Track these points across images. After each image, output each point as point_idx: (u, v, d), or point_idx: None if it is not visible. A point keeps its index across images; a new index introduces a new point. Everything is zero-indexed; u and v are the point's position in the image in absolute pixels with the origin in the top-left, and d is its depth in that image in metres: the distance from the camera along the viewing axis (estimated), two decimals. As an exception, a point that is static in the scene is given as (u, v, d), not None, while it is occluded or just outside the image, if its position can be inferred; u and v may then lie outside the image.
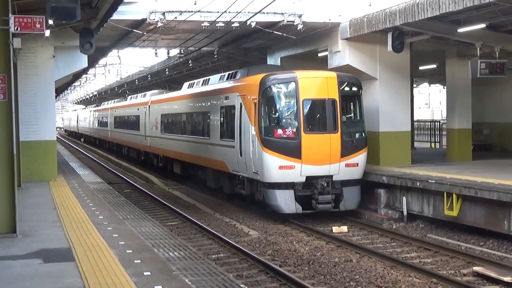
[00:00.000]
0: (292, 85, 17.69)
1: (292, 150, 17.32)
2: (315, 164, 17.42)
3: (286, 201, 17.33)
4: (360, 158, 18.03)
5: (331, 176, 17.59)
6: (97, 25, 19.27)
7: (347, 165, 17.71)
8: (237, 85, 20.11)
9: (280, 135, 17.46)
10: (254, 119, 17.84)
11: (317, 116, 18.07)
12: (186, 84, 28.09)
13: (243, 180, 19.27)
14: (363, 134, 18.46)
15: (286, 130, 17.50)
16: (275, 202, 17.42)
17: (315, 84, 17.93)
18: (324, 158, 17.50)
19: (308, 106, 17.77)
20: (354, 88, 18.58)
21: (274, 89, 17.81)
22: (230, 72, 22.47)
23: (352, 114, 18.90)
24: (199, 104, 24.17)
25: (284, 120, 17.78)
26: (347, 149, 17.73)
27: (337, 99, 17.71)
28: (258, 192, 18.28)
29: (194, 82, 26.69)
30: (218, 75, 23.66)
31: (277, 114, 17.96)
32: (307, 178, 17.44)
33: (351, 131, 18.09)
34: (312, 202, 17.47)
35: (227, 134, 20.23)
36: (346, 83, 18.28)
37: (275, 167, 17.27)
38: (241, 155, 18.73)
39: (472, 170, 18.47)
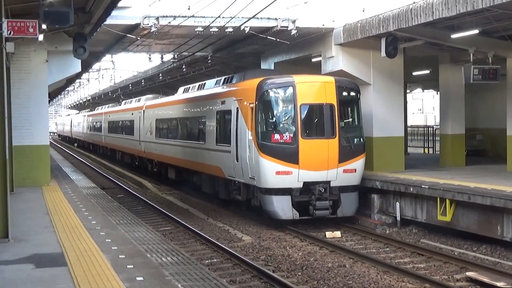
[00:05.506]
0: (289, 90, 17.55)
1: (289, 155, 17.17)
2: (313, 170, 17.27)
3: (283, 207, 17.15)
4: (358, 163, 17.90)
5: (329, 182, 17.43)
6: (90, 29, 19.24)
7: (345, 171, 17.56)
8: (233, 90, 20.03)
9: (277, 140, 17.29)
10: (251, 124, 17.71)
11: (315, 121, 17.90)
12: (181, 89, 28.05)
13: (239, 186, 19.12)
14: (361, 139, 18.35)
15: (283, 135, 17.35)
16: (272, 208, 17.26)
17: (313, 89, 17.79)
18: (322, 164, 17.35)
19: (306, 111, 17.61)
20: (352, 93, 18.46)
21: (272, 94, 17.67)
22: (226, 76, 22.42)
23: (350, 119, 18.76)
24: (195, 109, 24.08)
25: (281, 125, 17.63)
26: (345, 155, 17.57)
27: (335, 104, 17.57)
28: (255, 198, 18.12)
29: (189, 87, 26.62)
30: (214, 80, 23.56)
31: (274, 119, 17.79)
32: (305, 183, 17.28)
33: (349, 136, 17.95)
34: (309, 208, 17.30)
35: (223, 139, 20.05)
36: (344, 87, 18.16)
37: (272, 172, 17.11)
38: (237, 160, 18.62)
39: (465, 175, 18.50)
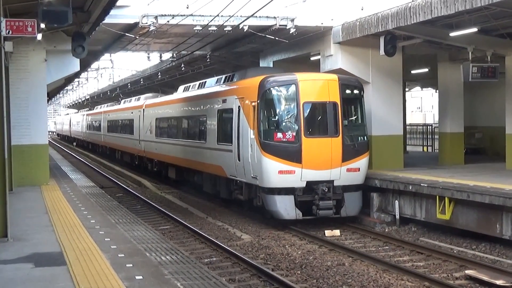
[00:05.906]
0: (292, 88, 17.33)
1: (292, 154, 16.95)
2: (316, 169, 17.06)
3: (286, 207, 16.95)
4: (361, 162, 17.71)
5: (332, 181, 17.23)
6: (89, 28, 19.23)
7: (348, 170, 17.36)
8: (235, 88, 19.84)
9: (280, 139, 17.06)
10: (253, 122, 17.53)
11: (318, 120, 17.69)
12: (181, 88, 27.93)
13: (241, 185, 18.93)
14: (365, 138, 18.15)
15: (286, 134, 17.13)
16: (275, 208, 17.07)
17: (316, 87, 17.59)
18: (325, 163, 17.14)
19: (309, 109, 17.39)
20: (355, 91, 18.27)
21: (274, 92, 17.45)
22: (227, 74, 22.27)
23: (354, 118, 18.58)
24: (195, 107, 23.93)
25: (284, 124, 17.41)
26: (349, 154, 17.38)
27: (339, 102, 17.35)
28: (257, 198, 17.90)
29: (189, 85, 26.45)
30: (215, 78, 23.38)
31: (276, 117, 17.56)
32: (308, 183, 17.08)
33: (352, 135, 17.76)
34: (312, 208, 17.13)
35: (225, 138, 19.86)
36: (347, 85, 17.97)
37: (275, 171, 16.90)
38: (239, 160, 18.46)
39: (464, 173, 18.51)
